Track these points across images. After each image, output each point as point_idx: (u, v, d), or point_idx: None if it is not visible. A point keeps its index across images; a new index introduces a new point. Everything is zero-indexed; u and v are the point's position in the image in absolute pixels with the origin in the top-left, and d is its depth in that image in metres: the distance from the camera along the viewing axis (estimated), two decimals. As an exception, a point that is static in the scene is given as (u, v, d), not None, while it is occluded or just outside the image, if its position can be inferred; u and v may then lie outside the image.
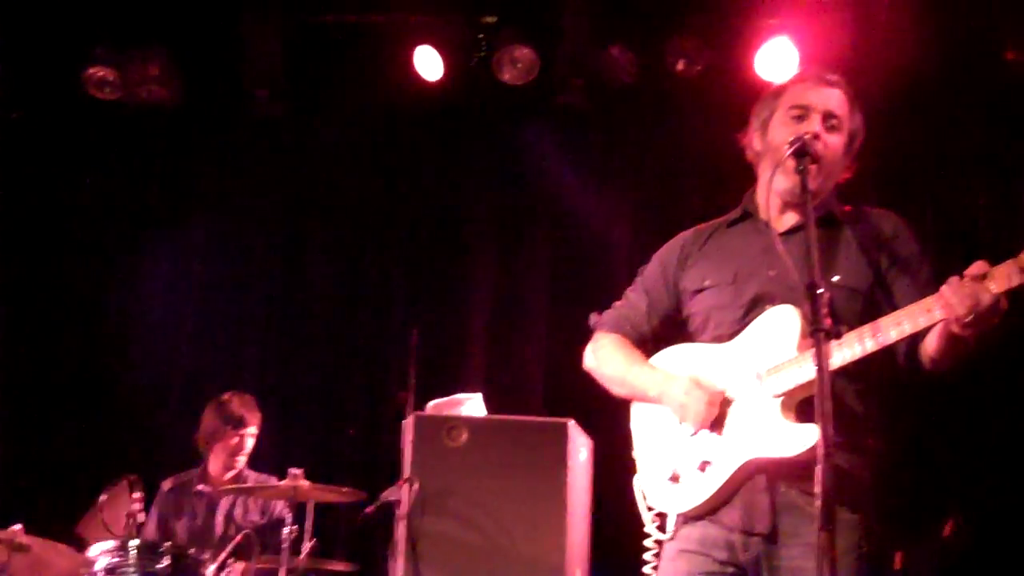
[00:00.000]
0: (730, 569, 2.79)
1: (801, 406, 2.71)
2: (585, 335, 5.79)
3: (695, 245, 3.11)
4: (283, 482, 4.58)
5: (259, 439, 5.46)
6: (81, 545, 4.54)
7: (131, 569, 4.18)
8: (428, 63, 6.05)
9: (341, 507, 5.16)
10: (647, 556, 3.03)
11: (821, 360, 2.36)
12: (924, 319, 2.58)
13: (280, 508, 5.18)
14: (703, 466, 2.83)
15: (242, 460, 5.38)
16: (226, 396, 5.41)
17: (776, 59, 5.77)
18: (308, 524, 4.63)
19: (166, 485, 5.41)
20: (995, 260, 2.54)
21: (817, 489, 2.26)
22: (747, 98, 5.81)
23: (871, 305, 2.80)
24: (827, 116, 2.87)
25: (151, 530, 5.24)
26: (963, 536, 4.82)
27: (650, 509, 2.98)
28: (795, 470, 2.66)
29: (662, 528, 2.96)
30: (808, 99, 2.89)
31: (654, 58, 6.01)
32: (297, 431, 6.12)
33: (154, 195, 6.66)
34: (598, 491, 4.89)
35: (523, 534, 4.43)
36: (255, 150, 6.58)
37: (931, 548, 4.83)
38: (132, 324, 6.47)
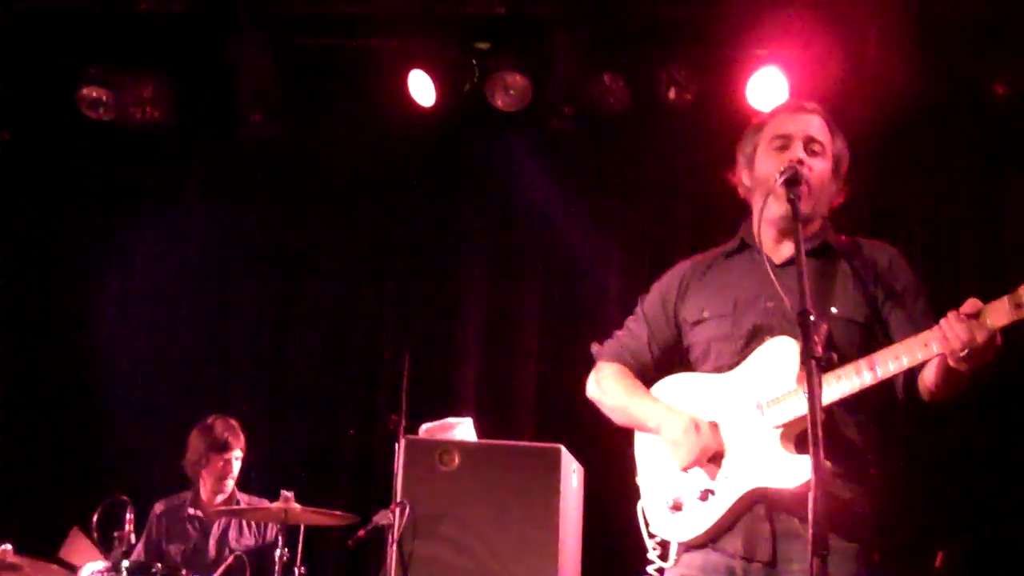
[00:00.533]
0: None
1: (801, 437, 2.70)
2: (576, 361, 5.78)
3: (694, 276, 3.13)
4: (274, 504, 4.58)
5: (250, 461, 5.46)
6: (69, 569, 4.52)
7: (123, 590, 4.19)
8: (421, 88, 6.08)
9: (333, 530, 5.16)
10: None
11: (812, 387, 2.39)
12: (922, 353, 2.60)
13: (273, 531, 5.18)
14: (705, 495, 2.86)
15: (230, 483, 5.37)
16: (210, 420, 5.41)
17: (766, 88, 5.82)
18: (300, 547, 4.63)
19: (158, 508, 5.40)
20: (982, 292, 2.58)
21: (810, 515, 2.29)
22: (738, 126, 5.85)
23: (869, 336, 2.83)
24: (808, 141, 2.92)
25: (143, 552, 5.23)
26: (954, 567, 4.84)
27: (652, 536, 3.00)
28: (795, 500, 2.66)
29: (664, 556, 2.98)
30: (787, 128, 2.95)
31: (646, 86, 6.05)
32: (289, 454, 6.12)
33: (146, 216, 6.66)
34: (589, 517, 4.91)
35: (514, 558, 4.43)
36: (248, 172, 6.59)
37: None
38: (122, 346, 6.45)
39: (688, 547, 2.93)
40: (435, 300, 6.38)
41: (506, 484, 4.55)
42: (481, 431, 4.97)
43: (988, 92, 5.68)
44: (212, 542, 5.28)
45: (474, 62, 6.13)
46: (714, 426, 2.89)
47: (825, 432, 2.43)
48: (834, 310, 2.83)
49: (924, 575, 4.84)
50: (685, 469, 2.88)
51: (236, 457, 5.37)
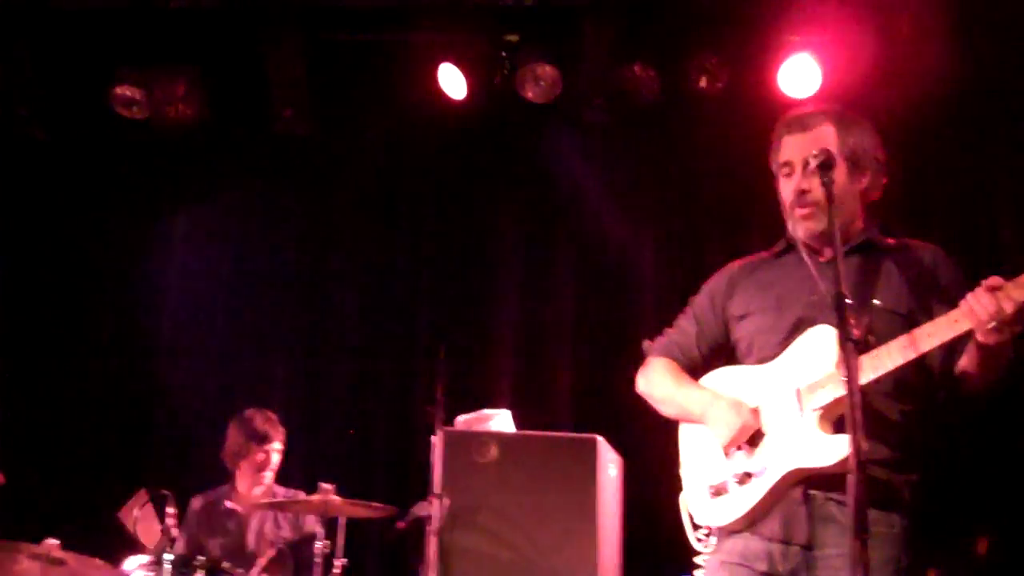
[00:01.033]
0: None
1: (839, 421, 2.76)
2: (613, 351, 5.87)
3: (742, 275, 3.22)
4: (314, 497, 4.60)
5: (288, 455, 5.49)
6: (120, 530, 4.56)
7: (166, 583, 4.22)
8: (452, 81, 6.09)
9: (372, 522, 5.18)
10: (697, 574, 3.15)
11: (850, 370, 2.41)
12: (952, 330, 2.66)
13: (311, 523, 5.20)
14: (745, 479, 2.93)
15: (269, 476, 5.40)
16: (248, 413, 5.43)
17: (799, 75, 5.79)
18: (340, 539, 4.66)
19: (196, 503, 5.43)
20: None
21: (849, 499, 2.32)
22: (770, 114, 5.86)
23: (911, 328, 2.81)
24: (807, 163, 2.88)
25: (183, 547, 5.27)
26: (997, 553, 4.82)
27: (696, 528, 3.09)
28: (832, 479, 2.73)
29: (708, 544, 3.06)
30: (788, 155, 3.01)
31: (676, 75, 6.03)
32: (326, 447, 6.16)
33: (181, 213, 6.71)
34: (629, 507, 4.91)
35: (554, 549, 4.45)
36: (281, 168, 6.62)
37: (965, 565, 4.82)
38: (160, 341, 6.52)
39: (728, 533, 2.98)
40: (470, 292, 6.39)
41: (544, 475, 4.57)
42: (518, 422, 4.97)
43: (1024, 76, 5.63)
44: (251, 535, 5.31)
45: (504, 54, 6.12)
46: (755, 411, 2.96)
47: (867, 416, 2.47)
48: (876, 302, 2.89)
49: (965, 562, 4.81)
50: (727, 448, 2.96)
51: (276, 449, 5.39)
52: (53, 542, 4.36)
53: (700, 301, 3.29)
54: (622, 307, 6.15)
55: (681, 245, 6.13)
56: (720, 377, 3.16)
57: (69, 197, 6.64)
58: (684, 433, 3.20)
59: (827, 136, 2.98)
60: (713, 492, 3.01)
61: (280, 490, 5.41)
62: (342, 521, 4.73)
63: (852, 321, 2.46)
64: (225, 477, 5.51)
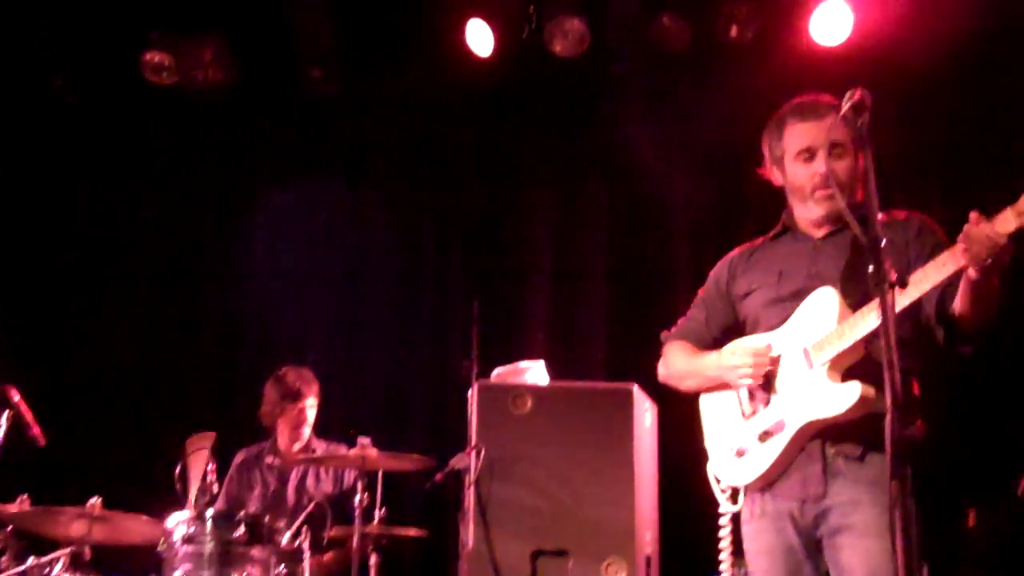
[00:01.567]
0: (796, 538, 3.04)
1: (846, 374, 2.96)
2: (646, 300, 5.87)
3: (742, 259, 3.39)
4: (352, 451, 4.63)
5: (327, 409, 5.54)
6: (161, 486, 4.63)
7: (208, 538, 4.27)
8: (479, 37, 6.06)
9: (410, 475, 5.22)
10: (722, 531, 3.40)
11: (886, 312, 2.43)
12: (942, 271, 2.78)
13: (351, 477, 5.26)
14: (764, 437, 3.09)
15: (306, 431, 5.45)
16: (283, 371, 5.49)
17: (830, 23, 5.72)
18: (379, 492, 4.70)
19: (238, 457, 5.51)
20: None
21: (887, 438, 2.32)
22: (801, 63, 5.82)
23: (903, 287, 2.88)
24: (831, 148, 3.10)
25: (224, 501, 5.34)
26: (987, 527, 4.80)
27: (723, 491, 3.27)
28: (844, 433, 2.94)
29: (734, 500, 3.24)
30: (808, 141, 3.14)
31: (705, 25, 5.98)
32: (364, 401, 6.21)
33: (212, 177, 6.75)
34: (664, 455, 4.91)
35: (592, 499, 4.46)
36: (311, 129, 6.63)
37: (1004, 506, 4.81)
38: (198, 303, 6.59)
39: (754, 492, 3.16)
40: (503, 245, 6.40)
41: (580, 425, 4.57)
42: (553, 373, 4.98)
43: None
44: (291, 489, 5.37)
45: (531, 8, 6.08)
46: (766, 346, 3.14)
47: (871, 370, 2.78)
48: (871, 268, 2.92)
49: (1003, 502, 4.80)
50: (756, 380, 3.10)
51: (310, 405, 5.44)
52: (96, 501, 4.42)
53: (707, 288, 3.47)
54: (655, 256, 6.13)
55: (714, 197, 6.08)
56: (730, 346, 3.28)
57: (99, 164, 6.68)
58: (704, 405, 3.36)
59: (837, 124, 3.05)
60: (736, 453, 3.18)
61: (320, 444, 5.47)
62: (380, 474, 4.76)
63: (888, 263, 2.49)
64: (265, 433, 5.57)
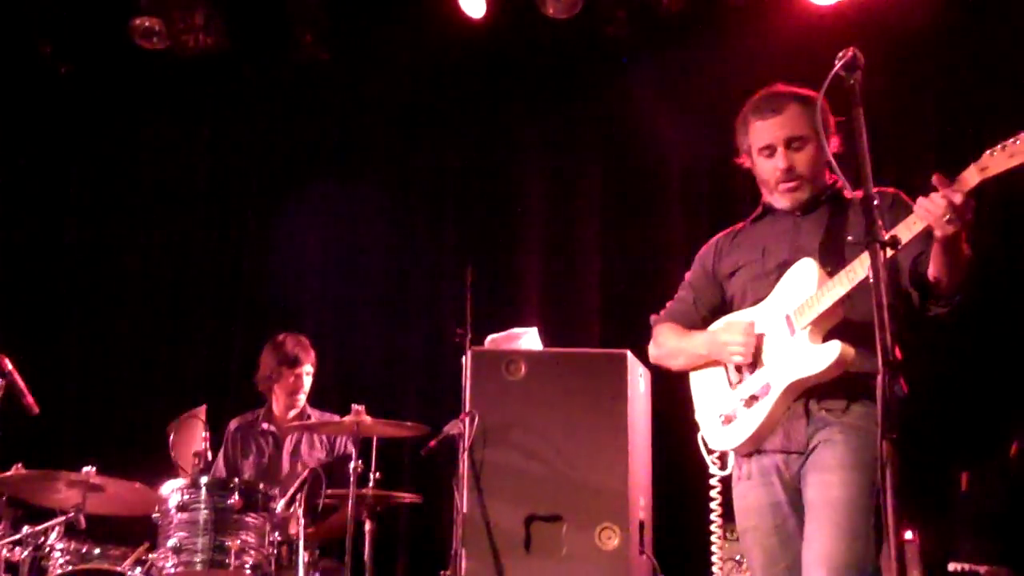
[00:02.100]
0: (783, 492, 3.13)
1: (827, 330, 3.07)
2: (639, 266, 5.86)
3: (726, 241, 3.49)
4: (346, 418, 4.64)
5: (321, 377, 5.54)
6: (156, 455, 4.64)
7: (202, 505, 4.27)
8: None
9: (404, 442, 5.23)
10: (713, 493, 3.54)
11: (877, 269, 2.45)
12: (910, 231, 2.84)
13: (345, 444, 5.27)
14: (750, 402, 3.18)
15: (301, 399, 5.46)
16: (280, 337, 5.48)
17: (828, -19, 5.67)
18: (373, 459, 4.70)
19: (232, 425, 5.51)
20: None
21: (878, 397, 2.35)
22: (799, 24, 5.77)
23: None
24: (788, 142, 3.21)
25: (220, 468, 5.36)
26: (978, 487, 4.82)
27: (711, 452, 3.35)
28: (827, 390, 3.05)
29: (723, 466, 3.34)
30: (767, 138, 3.24)
31: (700, -14, 5.94)
32: (358, 369, 6.21)
33: (203, 141, 6.72)
34: (658, 421, 4.92)
35: (585, 464, 4.47)
36: (303, 94, 6.59)
37: (996, 469, 4.83)
38: (188, 267, 6.58)
39: (743, 457, 3.25)
40: (496, 211, 6.38)
41: (573, 391, 4.57)
42: (547, 340, 4.97)
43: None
44: (285, 456, 5.39)
45: (523, -30, 6.03)
46: (750, 324, 3.24)
47: (849, 329, 2.97)
48: (849, 238, 3.15)
49: (996, 466, 4.82)
50: (746, 358, 3.20)
51: (307, 372, 5.44)
52: (90, 468, 4.43)
53: (694, 271, 3.57)
54: (649, 223, 6.11)
55: (709, 159, 6.03)
56: (719, 324, 3.39)
57: (92, 129, 6.64)
58: (693, 380, 3.44)
59: (797, 115, 3.21)
60: (724, 420, 3.27)
61: (314, 412, 5.47)
62: (375, 441, 4.77)
63: (880, 223, 2.51)
64: (259, 399, 5.57)
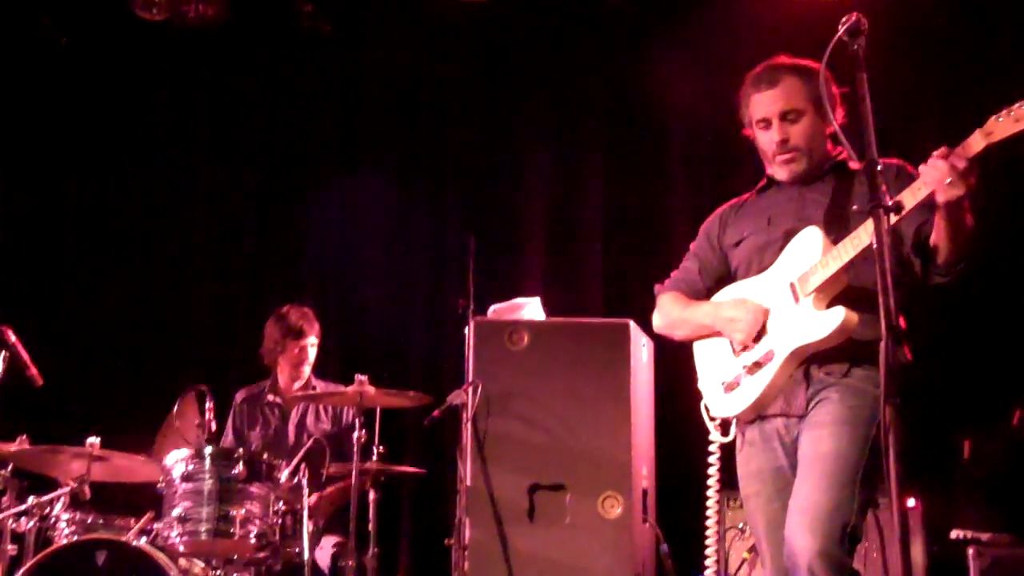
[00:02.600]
0: (784, 457, 3.15)
1: (832, 297, 3.09)
2: (642, 236, 5.85)
3: (731, 212, 3.51)
4: (349, 388, 4.65)
5: (325, 349, 5.55)
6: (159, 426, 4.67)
7: (207, 475, 4.29)
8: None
9: (408, 412, 5.24)
10: (711, 459, 3.48)
11: (881, 235, 2.45)
12: (914, 196, 2.86)
13: (349, 415, 5.28)
14: (754, 369, 3.20)
15: (306, 370, 5.47)
16: (284, 309, 5.48)
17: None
18: (376, 429, 4.72)
19: (239, 396, 5.53)
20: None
21: (880, 364, 2.35)
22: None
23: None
24: (783, 115, 3.24)
25: (227, 439, 5.38)
26: (980, 457, 4.83)
27: (713, 419, 3.37)
28: (829, 356, 3.07)
29: (725, 433, 3.35)
30: (764, 111, 3.28)
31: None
32: (362, 339, 6.23)
33: (204, 116, 6.70)
34: (661, 390, 4.93)
35: (589, 433, 4.48)
36: (304, 64, 6.57)
37: (999, 437, 4.84)
38: (192, 239, 6.58)
39: (745, 423, 3.27)
40: (499, 181, 6.36)
41: (576, 361, 4.58)
42: (550, 310, 4.98)
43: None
44: (291, 427, 5.40)
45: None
46: (759, 304, 3.24)
47: (853, 296, 2.99)
48: (854, 207, 3.16)
49: (998, 434, 4.83)
50: (747, 338, 3.22)
51: (311, 344, 5.45)
52: (94, 440, 4.45)
53: (698, 241, 3.58)
54: (651, 192, 6.10)
55: (713, 130, 6.01)
56: (725, 293, 3.41)
57: (90, 100, 6.62)
58: (697, 350, 3.46)
59: (793, 87, 3.24)
60: (727, 387, 3.29)
61: (320, 384, 5.49)
62: (379, 412, 4.78)
63: (883, 188, 2.51)
64: (263, 371, 5.58)
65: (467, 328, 4.66)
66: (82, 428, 4.51)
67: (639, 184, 6.14)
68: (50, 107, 6.64)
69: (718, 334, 3.35)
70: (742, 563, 4.56)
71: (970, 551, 4.30)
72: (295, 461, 4.55)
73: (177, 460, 4.38)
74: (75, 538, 4.36)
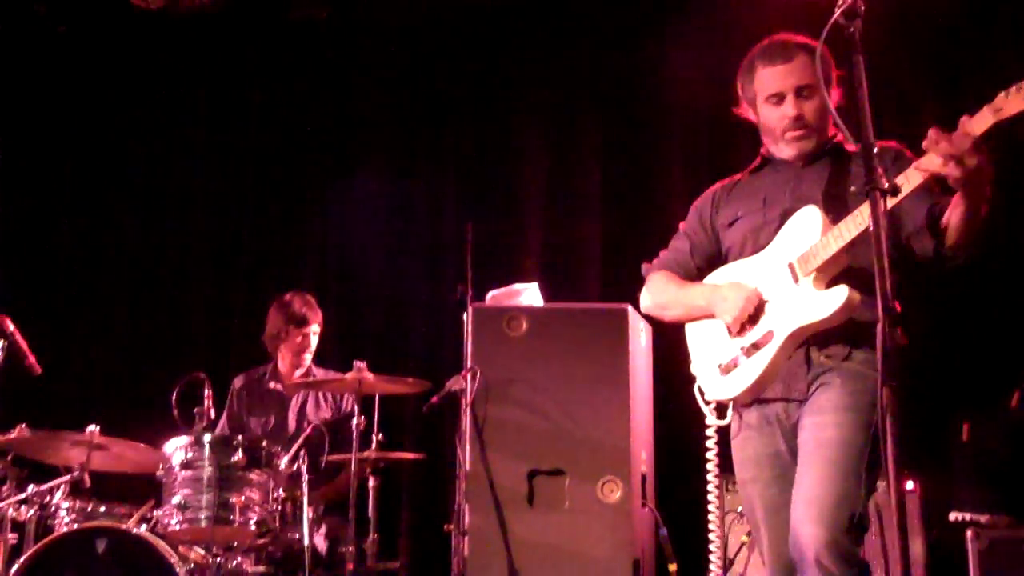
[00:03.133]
0: (783, 442, 3.10)
1: (831, 277, 3.03)
2: (640, 220, 5.83)
3: (724, 192, 3.44)
4: (348, 375, 4.65)
5: (323, 337, 5.55)
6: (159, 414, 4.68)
7: (206, 462, 4.31)
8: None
9: (407, 398, 5.25)
10: (709, 444, 3.54)
11: (877, 218, 2.42)
12: (917, 176, 2.81)
13: (349, 403, 5.29)
14: (751, 351, 3.14)
15: (308, 358, 5.48)
16: (287, 296, 5.49)
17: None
18: (376, 416, 4.72)
19: (237, 382, 5.54)
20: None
21: (877, 346, 2.32)
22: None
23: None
24: (799, 91, 3.18)
25: (227, 426, 5.38)
26: (979, 439, 4.82)
27: (707, 402, 3.29)
28: (829, 337, 3.02)
29: (721, 416, 3.27)
30: (777, 86, 3.20)
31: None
32: (360, 326, 6.23)
33: (201, 101, 6.69)
34: (659, 375, 4.93)
35: (587, 419, 4.48)
36: (301, 52, 6.56)
37: (998, 419, 4.84)
38: (190, 227, 6.57)
39: (742, 406, 3.20)
40: (495, 168, 6.34)
41: (575, 346, 4.57)
42: (548, 295, 4.98)
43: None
44: (291, 415, 5.41)
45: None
46: (755, 289, 3.18)
47: (853, 277, 2.93)
48: (852, 188, 3.11)
49: (997, 415, 4.83)
50: (735, 322, 3.16)
51: (314, 332, 5.46)
52: (94, 428, 4.45)
53: (689, 220, 3.51)
54: (650, 176, 6.08)
55: (709, 114, 5.98)
56: (719, 274, 3.34)
57: (87, 89, 6.61)
58: (689, 331, 3.39)
59: (807, 64, 3.16)
60: (723, 370, 3.22)
61: (319, 371, 5.49)
62: (377, 399, 4.78)
63: (880, 171, 2.48)
64: (262, 358, 5.59)
65: (465, 314, 4.66)
66: (81, 416, 4.52)
67: (637, 169, 6.11)
68: (48, 94, 6.62)
69: (712, 316, 3.27)
70: (741, 546, 4.56)
71: (969, 533, 4.30)
72: (294, 448, 4.56)
73: (176, 448, 4.39)
74: (75, 526, 4.38)
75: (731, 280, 3.25)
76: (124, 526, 4.35)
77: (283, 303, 5.46)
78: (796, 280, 3.07)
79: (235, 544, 4.44)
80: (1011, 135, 2.80)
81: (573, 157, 6.28)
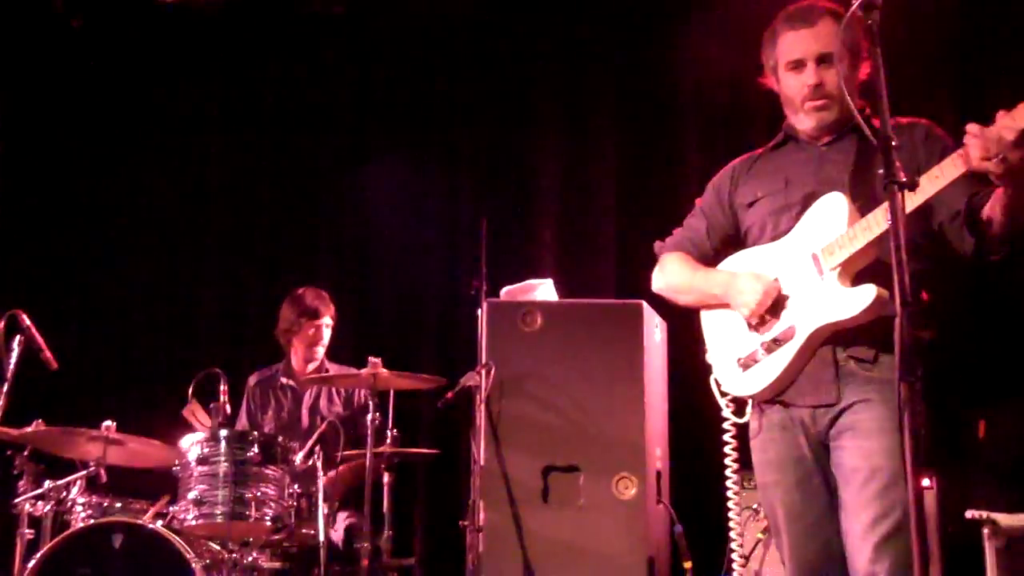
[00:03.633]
0: (807, 447, 2.99)
1: (857, 277, 2.91)
2: (655, 215, 5.80)
3: (743, 168, 3.30)
4: (363, 371, 4.65)
5: (338, 332, 5.56)
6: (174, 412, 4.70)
7: (222, 458, 4.32)
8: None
9: (422, 394, 5.25)
10: (726, 437, 3.29)
11: (895, 213, 2.38)
12: (955, 168, 2.70)
13: (362, 398, 5.29)
14: (773, 346, 3.02)
15: (320, 351, 5.49)
16: (300, 290, 5.52)
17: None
18: (391, 412, 4.72)
19: (252, 379, 5.56)
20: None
21: (896, 340, 2.27)
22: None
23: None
24: (820, 58, 3.03)
25: (241, 422, 5.40)
26: (997, 438, 4.79)
27: (724, 395, 3.19)
28: (854, 336, 2.89)
29: (739, 413, 3.18)
30: (798, 52, 3.06)
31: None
32: (375, 322, 6.23)
33: (216, 94, 6.70)
34: (674, 371, 4.92)
35: (602, 415, 4.47)
36: (316, 45, 6.56)
37: (1014, 416, 4.81)
38: (208, 221, 6.59)
39: (763, 403, 3.09)
40: (510, 163, 6.33)
41: (589, 342, 4.55)
42: (563, 291, 4.97)
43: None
44: (304, 411, 5.42)
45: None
46: (775, 280, 3.06)
47: (881, 271, 2.77)
48: (879, 171, 2.88)
49: (1013, 413, 4.80)
50: (753, 318, 3.06)
51: (326, 325, 5.48)
52: (110, 423, 4.47)
53: (706, 198, 3.39)
54: (665, 170, 6.05)
55: (726, 103, 5.94)
56: (737, 259, 3.22)
57: (104, 81, 6.63)
58: (705, 319, 3.28)
59: (830, 31, 3.02)
60: (742, 364, 3.10)
61: (333, 366, 5.50)
62: (392, 394, 4.79)
63: (898, 164, 2.42)
64: (276, 355, 5.59)
65: (480, 310, 4.65)
66: (97, 413, 4.54)
67: (652, 164, 6.08)
68: (65, 87, 6.64)
69: (727, 305, 3.15)
70: (756, 543, 4.55)
71: (986, 531, 4.27)
72: (309, 444, 4.57)
73: (192, 443, 4.41)
74: (91, 521, 4.40)
75: (749, 269, 3.12)
76: (140, 521, 4.36)
77: (295, 297, 5.48)
78: (820, 273, 2.94)
79: (250, 540, 4.45)
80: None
81: (588, 153, 6.25)
